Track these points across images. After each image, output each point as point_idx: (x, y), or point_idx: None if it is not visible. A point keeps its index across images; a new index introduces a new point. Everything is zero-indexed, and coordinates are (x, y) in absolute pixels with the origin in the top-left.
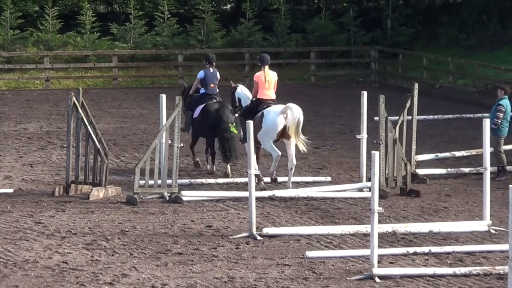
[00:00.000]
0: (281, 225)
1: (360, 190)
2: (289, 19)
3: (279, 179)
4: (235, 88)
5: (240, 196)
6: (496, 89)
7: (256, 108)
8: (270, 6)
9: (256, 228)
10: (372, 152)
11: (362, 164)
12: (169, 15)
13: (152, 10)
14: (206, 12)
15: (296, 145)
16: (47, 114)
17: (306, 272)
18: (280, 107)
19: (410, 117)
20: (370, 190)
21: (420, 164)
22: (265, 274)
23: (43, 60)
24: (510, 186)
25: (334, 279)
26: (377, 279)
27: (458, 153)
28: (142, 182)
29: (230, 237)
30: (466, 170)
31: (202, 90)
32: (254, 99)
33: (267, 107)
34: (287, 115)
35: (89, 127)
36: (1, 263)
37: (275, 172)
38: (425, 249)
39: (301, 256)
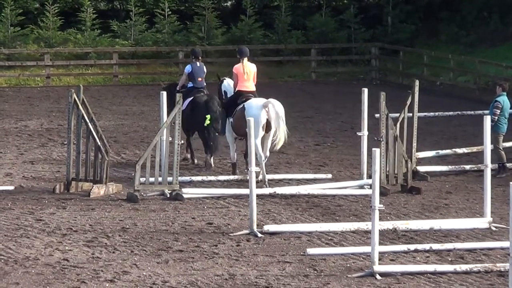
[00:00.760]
0: (282, 222)
1: (361, 187)
2: (290, 16)
3: (279, 176)
4: (222, 81)
5: (241, 193)
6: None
7: (236, 100)
8: (270, 3)
9: (257, 225)
10: (373, 149)
11: (362, 161)
12: (170, 12)
13: (153, 7)
14: (206, 9)
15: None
16: (48, 111)
17: (307, 269)
18: (260, 100)
19: (411, 114)
20: (371, 187)
21: (421, 161)
22: (266, 271)
23: (43, 57)
24: (511, 183)
25: (335, 276)
26: (378, 276)
27: (459, 150)
28: (142, 179)
29: (231, 234)
30: (467, 167)
31: (190, 84)
32: (234, 91)
33: (246, 100)
34: (268, 109)
35: (89, 124)
36: (2, 261)
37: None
38: (426, 246)
39: (302, 253)
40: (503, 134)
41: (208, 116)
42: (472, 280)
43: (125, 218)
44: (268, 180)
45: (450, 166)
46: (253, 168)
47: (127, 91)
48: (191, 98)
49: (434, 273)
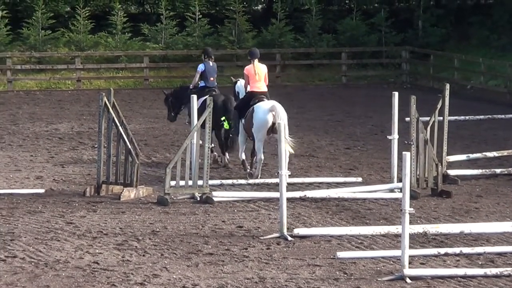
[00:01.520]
0: (312, 226)
1: (391, 190)
2: (320, 19)
3: (309, 179)
4: (236, 83)
5: (271, 197)
6: None
7: (248, 102)
8: (301, 6)
9: (287, 228)
10: (403, 152)
11: (393, 164)
12: (200, 16)
13: (184, 11)
14: (237, 13)
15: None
16: (78, 114)
17: (337, 272)
18: (269, 103)
19: (441, 118)
20: (401, 191)
21: (451, 165)
22: (296, 275)
23: (74, 60)
24: None
25: (365, 279)
26: (408, 280)
27: (489, 154)
28: (173, 182)
29: (261, 237)
30: (498, 170)
31: (202, 83)
32: (246, 92)
33: (258, 101)
34: (275, 113)
35: (120, 127)
36: (32, 263)
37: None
38: (456, 250)
39: (332, 256)
40: None
41: (224, 118)
42: (502, 283)
43: (155, 221)
44: (298, 183)
45: (480, 170)
46: (284, 172)
47: (157, 94)
48: (206, 97)
49: (464, 276)
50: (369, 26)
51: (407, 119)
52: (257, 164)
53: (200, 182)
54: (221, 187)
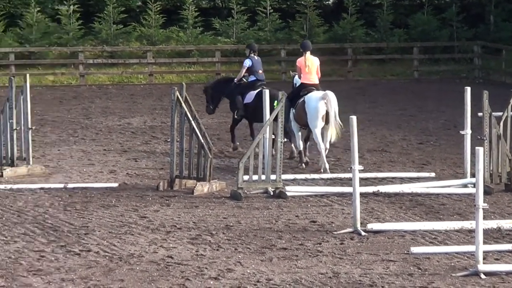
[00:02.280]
0: (386, 221)
1: (465, 186)
2: (392, 14)
3: (382, 175)
4: (294, 76)
5: (344, 192)
6: None
7: (298, 92)
8: (372, 1)
9: (361, 223)
10: (476, 148)
11: (466, 160)
12: (272, 10)
13: (255, 5)
14: (308, 7)
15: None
16: (151, 108)
17: (411, 268)
18: (320, 93)
19: None
20: (474, 186)
21: None
22: (370, 270)
23: (146, 54)
24: None
25: (439, 275)
26: (482, 276)
27: None
28: (246, 177)
29: (335, 232)
30: None
31: (252, 78)
32: (299, 83)
33: (308, 92)
34: (327, 101)
35: (192, 122)
36: (107, 257)
37: (327, 165)
38: None
39: (406, 252)
40: None
41: (276, 102)
42: None
43: (229, 215)
44: (371, 178)
45: None
46: (356, 166)
47: None
48: (257, 91)
49: None
50: (440, 21)
51: (480, 114)
52: (321, 154)
53: (273, 177)
54: (294, 181)
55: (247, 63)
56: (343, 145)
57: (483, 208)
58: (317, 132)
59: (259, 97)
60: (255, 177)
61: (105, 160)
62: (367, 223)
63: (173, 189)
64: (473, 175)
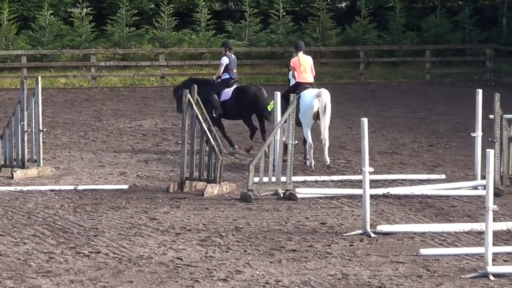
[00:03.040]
0: (395, 223)
1: (475, 188)
2: (404, 17)
3: (393, 176)
4: (290, 70)
5: (354, 194)
6: None
7: (294, 91)
8: (385, 3)
9: (370, 225)
10: (487, 150)
11: (476, 162)
12: (284, 13)
13: (267, 8)
14: (321, 10)
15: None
16: (162, 111)
17: (420, 269)
18: (315, 90)
19: None
20: (484, 188)
21: None
22: (379, 272)
23: (158, 57)
24: None
25: (448, 277)
26: (491, 277)
27: None
28: (256, 179)
29: (344, 234)
30: None
31: (226, 75)
32: (294, 82)
33: (304, 90)
34: (321, 99)
35: (203, 124)
36: (116, 259)
37: (312, 163)
38: None
39: (415, 253)
40: None
41: (271, 102)
42: None
43: (239, 217)
44: (382, 180)
45: None
46: (367, 168)
47: None
48: (233, 88)
49: None
50: (453, 24)
51: (491, 116)
52: (307, 150)
53: (283, 179)
54: (304, 183)
55: (225, 60)
56: (354, 147)
57: (493, 210)
58: (307, 130)
59: (237, 94)
60: (265, 179)
61: (116, 162)
62: (377, 225)
63: (183, 191)
64: (483, 177)
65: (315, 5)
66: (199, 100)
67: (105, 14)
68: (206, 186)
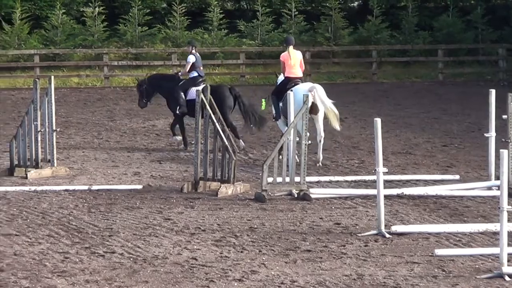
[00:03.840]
0: (410, 223)
1: (489, 188)
2: (417, 16)
3: (407, 177)
4: (278, 76)
5: (369, 194)
6: None
7: (285, 86)
8: (397, 3)
9: (385, 225)
10: (501, 150)
11: (490, 162)
12: (297, 12)
13: (280, 7)
14: (333, 10)
15: (328, 120)
16: None
17: (435, 270)
18: (307, 85)
19: None
20: (499, 189)
21: None
22: (394, 272)
23: (170, 56)
24: None
25: (464, 277)
26: (506, 278)
27: None
28: (270, 179)
29: (359, 234)
30: None
31: (194, 73)
32: (283, 78)
33: (295, 85)
34: (314, 93)
35: (217, 124)
36: (131, 259)
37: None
38: None
39: (430, 254)
40: None
41: (264, 100)
42: None
43: (253, 217)
44: (396, 180)
45: None
46: (381, 169)
47: (254, 91)
48: (200, 86)
49: None
50: (465, 23)
51: (504, 116)
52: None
53: (297, 179)
54: (318, 184)
55: (192, 59)
56: (367, 147)
57: (507, 211)
58: (299, 125)
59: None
60: (279, 179)
61: (130, 162)
62: (391, 225)
63: (197, 191)
64: (497, 177)
65: (327, 4)
66: (212, 100)
67: (118, 14)
68: (220, 186)
